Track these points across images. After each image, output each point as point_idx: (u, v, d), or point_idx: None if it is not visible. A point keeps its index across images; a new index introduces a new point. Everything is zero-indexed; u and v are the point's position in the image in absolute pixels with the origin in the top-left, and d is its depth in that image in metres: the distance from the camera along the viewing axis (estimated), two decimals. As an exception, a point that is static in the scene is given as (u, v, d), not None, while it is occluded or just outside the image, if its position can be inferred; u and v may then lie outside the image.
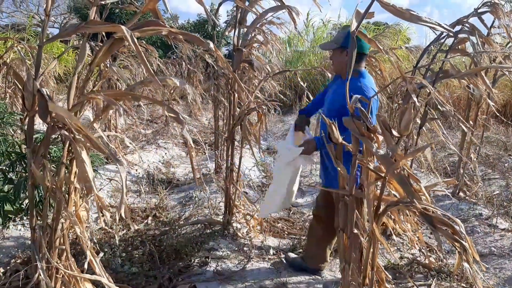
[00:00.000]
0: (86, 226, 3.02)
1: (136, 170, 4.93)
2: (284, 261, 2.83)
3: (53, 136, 2.00)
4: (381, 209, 1.74)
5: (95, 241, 2.98)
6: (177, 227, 3.08)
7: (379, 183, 1.79)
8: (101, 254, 2.75)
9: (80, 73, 1.81)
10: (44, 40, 1.75)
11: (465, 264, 1.57)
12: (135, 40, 1.67)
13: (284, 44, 13.64)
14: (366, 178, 1.78)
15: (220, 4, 3.42)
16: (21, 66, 5.00)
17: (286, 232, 3.35)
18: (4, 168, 2.80)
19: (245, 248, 2.93)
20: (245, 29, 3.01)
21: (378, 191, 1.77)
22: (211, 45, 1.95)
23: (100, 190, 3.66)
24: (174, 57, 11.74)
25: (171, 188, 4.59)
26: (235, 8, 3.15)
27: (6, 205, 2.84)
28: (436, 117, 3.00)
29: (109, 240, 3.05)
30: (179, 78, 1.88)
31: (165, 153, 5.95)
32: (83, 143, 1.76)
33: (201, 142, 6.54)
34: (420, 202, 1.62)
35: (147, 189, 4.38)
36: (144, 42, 6.73)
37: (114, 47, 1.89)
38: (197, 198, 3.90)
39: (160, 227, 3.35)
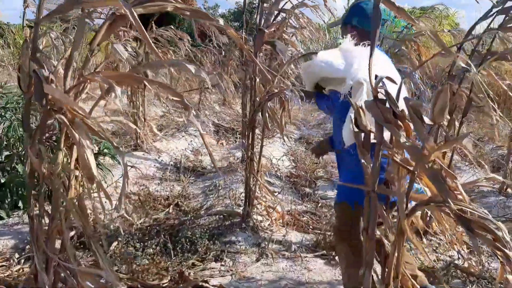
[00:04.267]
0: (106, 214, 2.96)
1: (159, 157, 4.87)
2: None
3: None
4: (408, 209, 1.50)
5: (112, 229, 2.90)
6: (193, 218, 2.95)
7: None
8: (115, 243, 2.69)
9: (79, 53, 1.69)
10: (41, 18, 1.64)
11: (509, 276, 1.33)
12: (136, 15, 1.52)
13: (322, 30, 13.17)
14: (396, 172, 1.55)
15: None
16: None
17: (310, 227, 3.15)
18: (22, 153, 2.79)
19: (263, 243, 2.76)
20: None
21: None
22: (221, 21, 1.76)
23: (119, 178, 3.60)
24: (211, 45, 11.64)
25: (197, 176, 4.49)
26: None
27: (24, 190, 2.83)
28: (483, 104, 2.67)
29: (128, 227, 2.98)
30: (195, 64, 1.71)
31: (191, 141, 5.86)
32: (83, 129, 1.65)
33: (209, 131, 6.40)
34: (456, 202, 1.38)
35: (172, 177, 4.30)
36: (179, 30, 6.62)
37: (116, 24, 1.75)
38: (220, 188, 3.76)
39: (180, 217, 3.25)
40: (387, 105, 1.45)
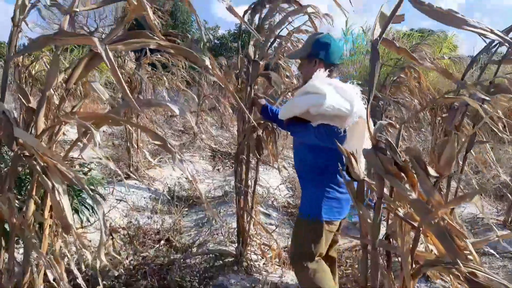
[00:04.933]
0: (91, 252, 2.79)
1: (152, 186, 4.70)
2: None
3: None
4: (413, 269, 1.35)
5: (98, 268, 2.73)
6: (182, 259, 2.77)
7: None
8: (98, 288, 2.51)
9: (54, 92, 1.57)
10: (12, 54, 1.52)
11: None
12: (110, 55, 1.40)
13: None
14: (399, 228, 1.40)
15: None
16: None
17: (308, 266, 2.97)
18: None
19: (258, 286, 2.58)
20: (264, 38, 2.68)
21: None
22: (207, 61, 1.64)
23: (110, 210, 3.44)
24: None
25: (190, 206, 4.32)
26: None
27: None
28: (486, 139, 2.54)
29: (114, 267, 2.81)
30: (179, 104, 1.58)
31: (182, 174, 5.67)
32: (57, 175, 1.51)
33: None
34: (466, 264, 1.23)
35: (164, 208, 4.13)
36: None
37: (95, 61, 1.64)
38: (213, 222, 3.59)
39: (171, 254, 3.08)
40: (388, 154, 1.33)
